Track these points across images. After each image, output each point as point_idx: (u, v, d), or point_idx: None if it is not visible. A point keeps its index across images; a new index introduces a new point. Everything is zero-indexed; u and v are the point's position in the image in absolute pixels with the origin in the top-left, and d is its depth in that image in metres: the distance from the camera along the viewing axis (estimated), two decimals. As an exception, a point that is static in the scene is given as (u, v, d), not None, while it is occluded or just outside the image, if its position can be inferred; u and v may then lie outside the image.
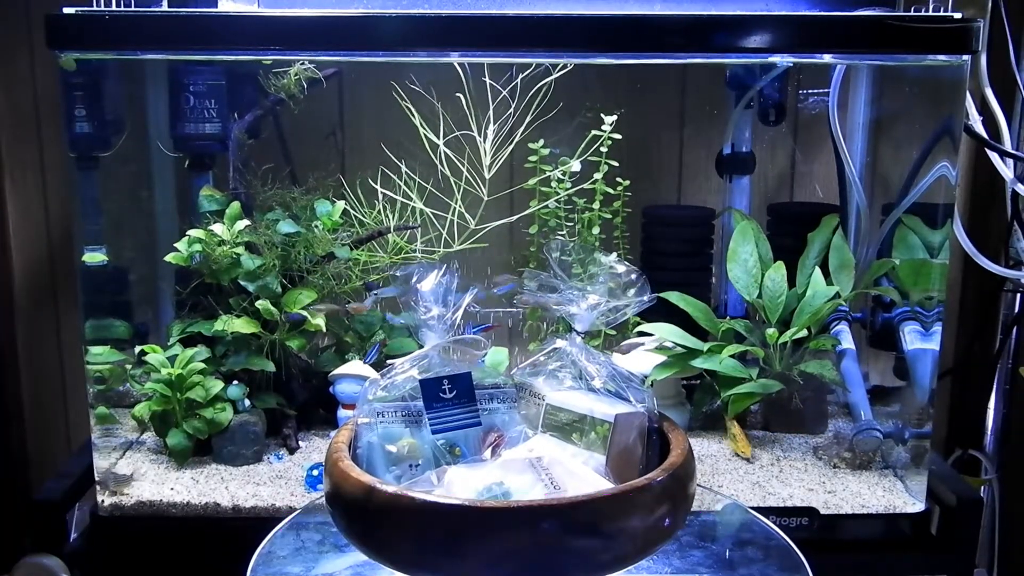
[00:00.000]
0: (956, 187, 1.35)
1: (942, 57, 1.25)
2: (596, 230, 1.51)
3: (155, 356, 1.35)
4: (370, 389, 1.05)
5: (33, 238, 1.73)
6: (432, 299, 1.07)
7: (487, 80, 1.40)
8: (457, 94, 1.41)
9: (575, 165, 1.48)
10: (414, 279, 1.08)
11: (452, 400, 1.06)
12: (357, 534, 0.93)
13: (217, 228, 1.37)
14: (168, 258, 1.38)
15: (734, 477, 1.34)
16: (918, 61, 1.31)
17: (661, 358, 1.43)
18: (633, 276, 1.09)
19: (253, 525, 1.16)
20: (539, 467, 0.97)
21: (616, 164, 1.49)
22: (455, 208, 1.47)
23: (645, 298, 1.09)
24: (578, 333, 1.10)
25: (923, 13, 1.23)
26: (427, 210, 1.47)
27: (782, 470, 1.36)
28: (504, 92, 1.41)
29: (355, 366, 1.40)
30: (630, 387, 1.06)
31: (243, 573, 1.03)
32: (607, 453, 1.02)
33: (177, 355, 1.35)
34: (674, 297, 1.45)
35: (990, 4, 1.41)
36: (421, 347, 1.09)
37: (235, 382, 1.38)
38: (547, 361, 1.12)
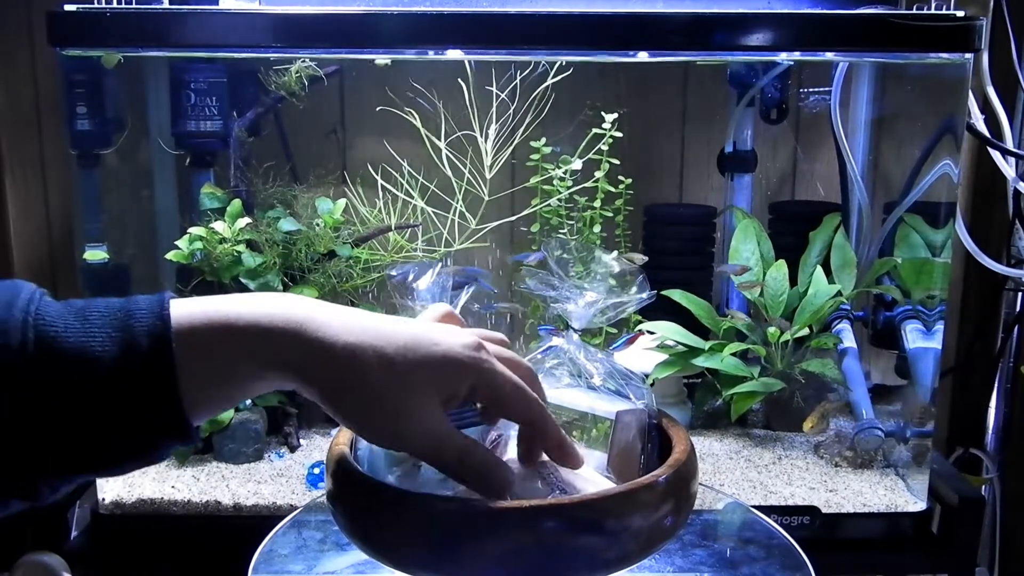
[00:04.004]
0: (958, 186, 1.35)
1: (944, 55, 1.25)
2: (597, 228, 1.51)
3: (156, 354, 1.34)
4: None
5: (34, 236, 1.73)
6: (429, 297, 1.06)
7: (493, 87, 1.40)
8: (458, 93, 1.41)
9: (576, 163, 1.47)
10: (410, 278, 1.08)
11: (453, 398, 1.05)
12: (359, 533, 0.92)
13: (218, 226, 1.37)
14: (169, 256, 1.37)
15: (735, 476, 1.34)
16: (920, 59, 1.31)
17: (661, 356, 1.43)
18: (633, 274, 1.09)
19: (254, 523, 1.16)
20: (541, 466, 0.97)
21: (617, 162, 1.49)
22: (456, 208, 1.47)
23: (644, 295, 1.08)
24: (575, 331, 1.09)
25: (925, 11, 1.22)
26: (428, 209, 1.47)
27: (783, 469, 1.36)
28: (503, 96, 1.41)
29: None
30: (629, 385, 1.06)
31: (244, 571, 1.03)
32: (608, 451, 1.02)
33: (178, 353, 1.34)
34: (676, 295, 1.45)
35: (992, 2, 1.41)
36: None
37: (236, 380, 1.38)
38: (544, 359, 1.11)
